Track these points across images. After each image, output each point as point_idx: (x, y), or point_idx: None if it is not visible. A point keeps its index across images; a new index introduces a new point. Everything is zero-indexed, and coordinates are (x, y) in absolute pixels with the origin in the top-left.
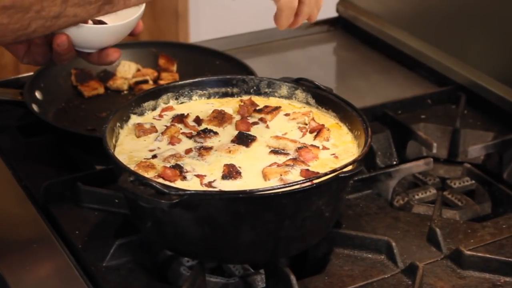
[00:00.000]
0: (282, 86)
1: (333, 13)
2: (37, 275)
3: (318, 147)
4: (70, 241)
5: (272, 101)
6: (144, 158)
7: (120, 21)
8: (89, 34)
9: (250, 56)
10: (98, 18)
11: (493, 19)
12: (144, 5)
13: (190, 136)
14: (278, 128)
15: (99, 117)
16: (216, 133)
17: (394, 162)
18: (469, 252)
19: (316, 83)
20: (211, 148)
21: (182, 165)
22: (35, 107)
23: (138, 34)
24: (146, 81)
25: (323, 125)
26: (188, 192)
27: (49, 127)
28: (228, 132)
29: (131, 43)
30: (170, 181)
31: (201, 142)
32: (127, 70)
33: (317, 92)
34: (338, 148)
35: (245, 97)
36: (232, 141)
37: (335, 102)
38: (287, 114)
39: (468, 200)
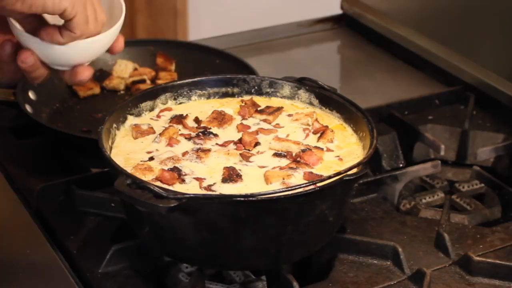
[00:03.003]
0: (284, 86)
1: (337, 10)
2: (31, 281)
3: (322, 149)
4: (64, 247)
5: (274, 102)
6: (141, 161)
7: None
8: (56, 51)
9: (251, 54)
10: None
11: (503, 17)
12: (122, 20)
13: (189, 138)
14: (281, 130)
15: (95, 118)
16: (216, 135)
17: (401, 165)
18: (478, 258)
19: (320, 82)
20: (209, 150)
21: (180, 168)
22: (28, 107)
23: (117, 53)
24: (143, 81)
25: (327, 126)
26: (187, 195)
27: (42, 129)
28: (228, 133)
29: (127, 41)
30: (168, 184)
31: (200, 144)
32: (123, 69)
33: (320, 92)
34: (343, 150)
35: (246, 97)
36: (235, 143)
37: (339, 103)
38: (289, 115)
39: (477, 204)
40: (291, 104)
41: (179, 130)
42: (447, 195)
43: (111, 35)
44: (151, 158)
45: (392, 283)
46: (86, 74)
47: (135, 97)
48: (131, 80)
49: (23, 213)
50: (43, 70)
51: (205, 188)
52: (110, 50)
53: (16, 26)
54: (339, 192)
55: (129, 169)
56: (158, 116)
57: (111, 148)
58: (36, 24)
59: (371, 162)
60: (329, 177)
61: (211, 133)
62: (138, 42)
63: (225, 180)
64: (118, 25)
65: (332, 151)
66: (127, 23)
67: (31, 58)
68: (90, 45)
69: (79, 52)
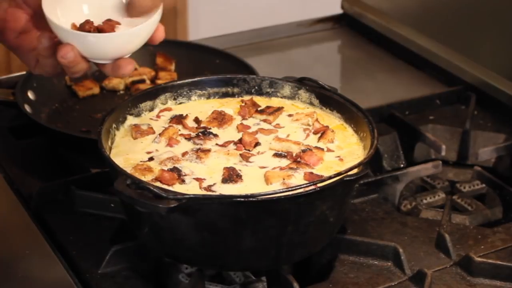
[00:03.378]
0: (284, 85)
1: (338, 10)
2: (30, 282)
3: (322, 149)
4: (64, 247)
5: (275, 102)
6: (141, 161)
7: (132, 27)
8: (97, 44)
9: (251, 54)
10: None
11: (504, 16)
12: (161, 9)
13: (188, 138)
14: (281, 130)
15: (94, 118)
16: (216, 135)
17: (401, 165)
18: (479, 259)
19: (320, 82)
20: (209, 150)
21: (180, 168)
22: (27, 107)
23: (158, 42)
24: (143, 81)
25: (327, 126)
26: (187, 196)
27: (42, 129)
28: (228, 133)
29: None
30: (168, 184)
31: (200, 144)
32: None
33: (321, 92)
34: (343, 150)
35: (246, 97)
36: (235, 143)
37: (340, 103)
38: (290, 115)
39: (478, 205)
40: (292, 104)
41: (179, 130)
42: (448, 196)
43: (151, 26)
44: (151, 159)
45: (393, 284)
46: (129, 67)
47: (134, 97)
48: (130, 80)
49: (22, 213)
50: (84, 64)
51: (205, 189)
52: (151, 41)
53: (54, 21)
54: (340, 192)
55: (128, 170)
56: (157, 116)
57: (110, 149)
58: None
59: (372, 162)
60: (330, 178)
61: (211, 133)
62: None
63: (225, 180)
64: (158, 15)
65: (333, 151)
66: None
67: (71, 53)
68: (130, 37)
69: (120, 45)
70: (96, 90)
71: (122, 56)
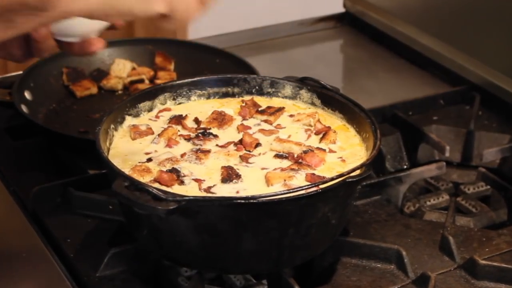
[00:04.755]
0: (286, 85)
1: (340, 9)
2: (27, 285)
3: (324, 150)
4: (61, 250)
5: (275, 102)
6: (139, 162)
7: None
8: (68, 21)
9: (252, 54)
10: None
11: (509, 15)
12: None
13: (188, 139)
14: (282, 130)
15: (92, 118)
16: (215, 136)
17: (405, 166)
18: (484, 262)
19: (322, 82)
20: (208, 151)
21: (179, 169)
22: (24, 108)
23: (120, 27)
24: (142, 81)
25: (329, 127)
26: (186, 198)
27: (39, 129)
28: (228, 134)
29: (125, 40)
30: (167, 186)
31: (200, 145)
32: (121, 69)
33: (323, 92)
34: (345, 151)
35: (247, 97)
36: (235, 144)
37: (342, 103)
38: (291, 115)
39: (483, 207)
40: (293, 104)
41: (178, 130)
42: (452, 197)
43: None
44: (150, 160)
45: (396, 287)
46: (99, 44)
47: (133, 97)
48: (129, 79)
49: (19, 215)
50: (51, 42)
51: (205, 190)
52: (114, 24)
53: None
54: (342, 194)
55: (127, 171)
56: (156, 116)
57: (108, 149)
58: None
59: (375, 163)
60: (332, 179)
61: (211, 134)
62: (136, 41)
63: (225, 180)
64: None
65: (335, 152)
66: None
67: (44, 27)
68: None
69: (88, 21)
70: (94, 90)
71: (89, 35)
